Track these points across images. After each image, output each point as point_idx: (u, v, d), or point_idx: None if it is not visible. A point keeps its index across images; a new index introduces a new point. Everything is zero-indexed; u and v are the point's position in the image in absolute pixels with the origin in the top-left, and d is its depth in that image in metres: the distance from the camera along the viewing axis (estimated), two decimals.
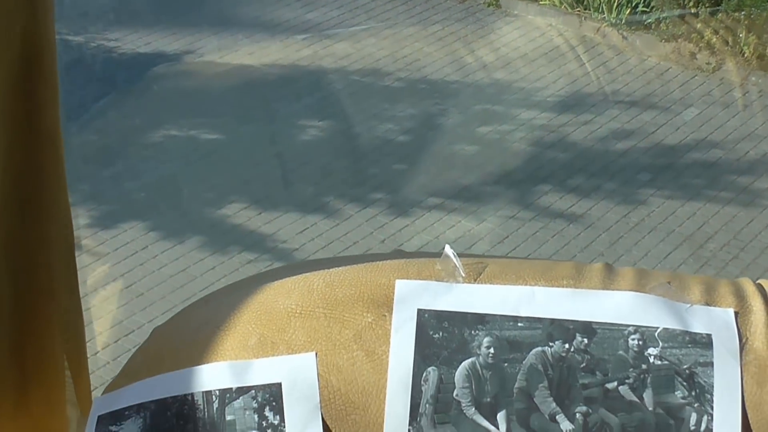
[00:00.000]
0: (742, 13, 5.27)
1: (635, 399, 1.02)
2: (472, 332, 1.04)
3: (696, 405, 1.02)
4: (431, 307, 1.05)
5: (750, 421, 1.01)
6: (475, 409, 1.02)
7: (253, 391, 1.02)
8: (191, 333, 1.07)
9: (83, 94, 5.06)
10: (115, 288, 4.21)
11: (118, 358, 3.69)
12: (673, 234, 4.61)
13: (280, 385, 1.02)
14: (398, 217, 4.72)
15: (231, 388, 1.02)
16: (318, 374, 1.02)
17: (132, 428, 1.02)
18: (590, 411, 1.02)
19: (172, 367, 1.04)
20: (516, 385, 1.02)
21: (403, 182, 4.92)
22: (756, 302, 1.07)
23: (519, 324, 1.04)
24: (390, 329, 1.04)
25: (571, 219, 4.68)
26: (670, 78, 5.35)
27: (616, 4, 5.46)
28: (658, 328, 1.04)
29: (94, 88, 5.19)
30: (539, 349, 1.03)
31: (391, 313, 1.04)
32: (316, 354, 1.03)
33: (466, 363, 1.03)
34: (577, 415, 1.02)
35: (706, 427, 1.01)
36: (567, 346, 1.03)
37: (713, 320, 1.05)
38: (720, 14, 5.29)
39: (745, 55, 5.17)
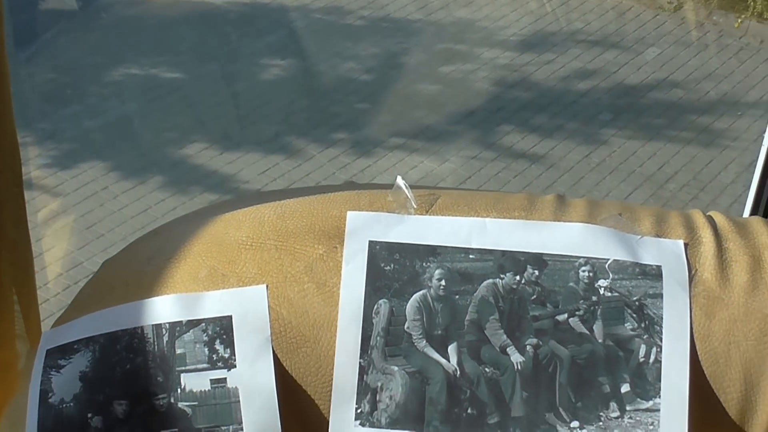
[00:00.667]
0: None
1: (585, 331, 1.03)
2: (424, 264, 1.03)
3: (645, 337, 1.03)
4: (382, 238, 1.04)
5: (698, 352, 1.02)
6: (426, 341, 1.02)
7: (204, 324, 1.01)
8: (141, 265, 1.06)
9: (29, 22, 4.99)
10: (68, 221, 4.18)
11: (69, 290, 3.68)
12: (634, 174, 4.63)
13: (230, 317, 1.01)
14: (360, 157, 4.69)
15: (181, 321, 1.01)
16: (269, 307, 1.01)
17: (81, 362, 1.02)
18: (540, 343, 1.02)
19: (121, 300, 1.03)
20: (467, 318, 1.02)
21: (366, 122, 4.89)
22: (706, 234, 1.08)
23: (470, 256, 1.04)
24: (341, 261, 1.03)
25: (533, 159, 4.68)
26: (632, 17, 5.34)
27: None
28: (608, 259, 1.05)
29: (42, 17, 5.12)
30: (490, 281, 1.03)
31: (343, 245, 1.04)
32: (267, 286, 1.02)
33: (417, 295, 1.03)
34: (528, 347, 1.02)
35: (655, 358, 1.02)
36: (518, 278, 1.03)
37: (663, 252, 1.05)
38: None
39: None
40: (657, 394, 1.01)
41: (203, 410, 0.99)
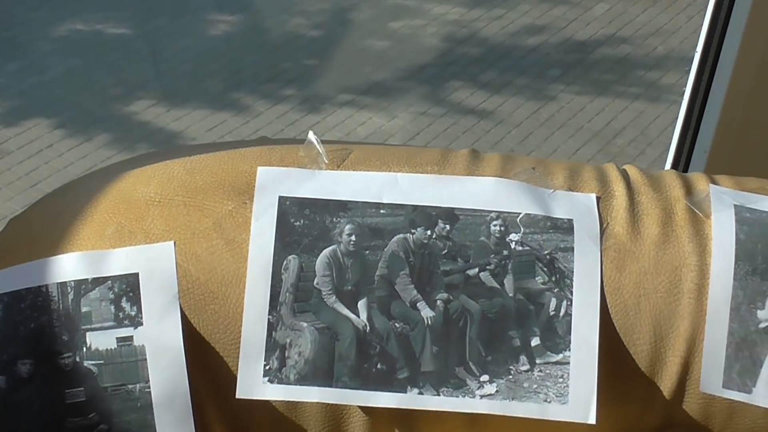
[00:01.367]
0: None
1: (496, 285, 1.03)
2: (334, 219, 1.03)
3: (556, 290, 1.02)
4: (293, 194, 1.03)
5: (608, 305, 1.02)
6: (336, 297, 1.01)
7: (110, 282, 1.00)
8: (48, 222, 1.05)
9: None
10: (11, 180, 4.13)
11: None
12: (582, 130, 4.63)
13: (137, 275, 1.00)
14: (309, 113, 4.66)
15: (87, 279, 1.00)
16: (176, 264, 1.00)
17: None
18: (451, 298, 1.02)
19: (27, 258, 1.02)
20: (377, 273, 1.02)
21: (315, 78, 4.85)
22: (618, 187, 1.07)
23: (381, 211, 1.03)
24: (251, 217, 1.02)
25: (482, 115, 4.67)
26: None
27: None
28: (520, 213, 1.04)
29: None
30: (401, 236, 1.03)
31: (252, 201, 1.03)
32: (175, 243, 1.01)
33: (327, 251, 1.02)
34: (438, 302, 1.02)
35: (566, 312, 1.02)
36: (429, 232, 1.03)
37: (575, 205, 1.05)
38: None
39: None
40: (567, 347, 1.01)
41: (109, 369, 0.98)
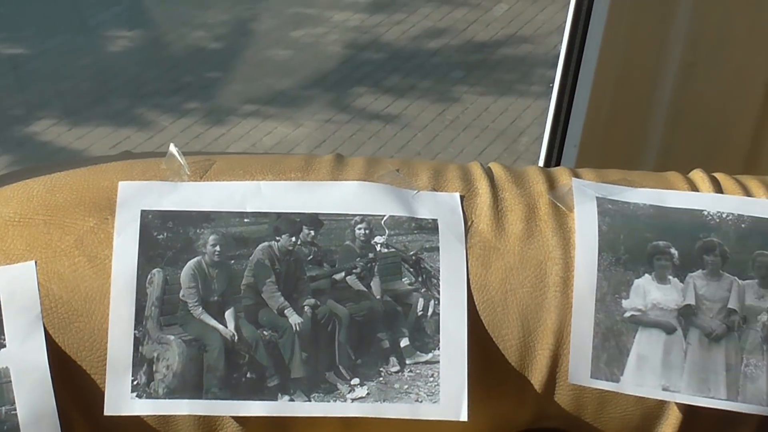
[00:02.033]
0: None
1: (363, 288, 1.03)
2: (198, 231, 1.02)
3: (423, 290, 1.03)
4: (155, 207, 1.03)
5: (476, 303, 1.03)
6: (203, 308, 1.01)
7: None
8: None
9: None
10: None
11: None
12: (487, 130, 4.67)
13: None
14: (214, 125, 4.64)
15: None
16: (38, 283, 0.99)
17: None
18: (318, 303, 1.02)
19: None
20: (243, 282, 1.02)
21: (218, 90, 4.83)
22: (482, 185, 1.08)
23: (245, 220, 1.03)
24: (113, 233, 1.01)
25: (388, 119, 4.68)
26: None
27: None
28: (384, 215, 1.05)
29: None
30: (266, 243, 1.02)
31: (114, 216, 1.02)
32: (36, 263, 1.00)
33: (191, 262, 1.01)
34: (306, 307, 1.02)
35: (433, 311, 1.03)
36: (294, 239, 1.03)
37: (439, 205, 1.06)
38: None
39: None
40: (436, 346, 1.02)
41: None
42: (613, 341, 1.03)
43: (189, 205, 1.03)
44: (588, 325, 1.03)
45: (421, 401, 1.00)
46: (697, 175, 1.14)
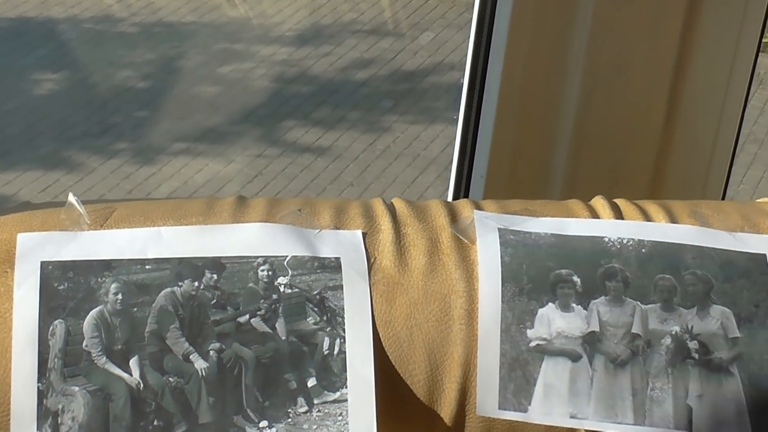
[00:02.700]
0: None
1: (268, 330, 1.03)
2: (99, 280, 1.02)
3: (328, 329, 1.03)
4: (55, 258, 1.02)
5: (381, 339, 1.03)
6: (107, 357, 1.00)
7: None
8: None
9: None
10: None
11: None
12: (419, 158, 4.70)
13: None
14: (144, 165, 4.62)
15: None
16: None
17: None
18: (224, 347, 1.02)
19: None
20: (147, 329, 1.01)
21: (147, 129, 4.82)
22: (384, 221, 1.09)
23: (147, 267, 1.03)
24: (13, 286, 1.00)
25: (319, 152, 4.70)
26: (404, 3, 5.42)
27: None
28: (287, 256, 1.05)
29: None
30: (168, 289, 1.02)
31: (14, 269, 1.01)
32: None
33: (93, 312, 1.01)
34: (211, 352, 1.01)
35: (339, 349, 1.03)
36: (196, 284, 1.03)
37: (341, 243, 1.06)
38: None
39: None
40: (343, 384, 1.02)
41: None
42: (519, 371, 1.04)
43: (89, 255, 1.02)
44: (494, 357, 1.04)
45: None
46: (598, 202, 1.15)
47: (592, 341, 1.06)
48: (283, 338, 1.03)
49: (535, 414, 1.04)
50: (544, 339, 1.05)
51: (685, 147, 1.44)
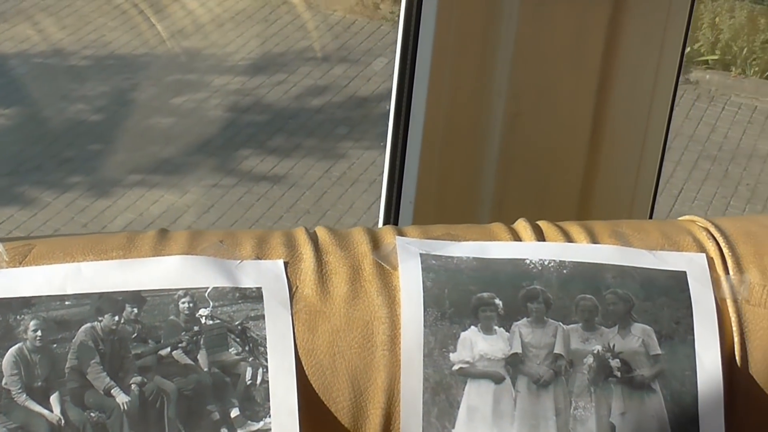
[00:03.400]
0: None
1: (190, 362, 1.03)
2: (17, 317, 1.01)
3: (251, 359, 1.03)
4: None
5: (304, 367, 1.04)
6: (27, 395, 1.00)
7: None
8: None
9: None
10: None
11: None
12: (375, 183, 4.70)
13: None
14: (99, 198, 4.61)
15: None
16: None
17: None
18: (145, 380, 1.01)
19: None
20: (67, 365, 1.01)
21: (101, 162, 4.81)
22: (306, 250, 1.09)
23: (66, 302, 1.03)
24: None
25: (275, 180, 4.70)
26: (357, 30, 5.44)
27: None
28: (207, 288, 1.05)
29: None
30: (89, 325, 1.02)
31: None
32: None
33: (12, 349, 1.00)
34: (133, 386, 1.01)
35: (262, 379, 1.03)
36: (117, 318, 1.03)
37: (262, 273, 1.07)
38: None
39: None
40: (267, 413, 1.02)
41: None
42: (443, 395, 1.05)
43: (8, 292, 1.02)
44: (417, 382, 1.04)
45: None
46: (520, 225, 1.16)
47: (514, 363, 1.06)
48: (206, 369, 1.03)
49: None
50: (467, 362, 1.06)
51: (611, 167, 1.46)
